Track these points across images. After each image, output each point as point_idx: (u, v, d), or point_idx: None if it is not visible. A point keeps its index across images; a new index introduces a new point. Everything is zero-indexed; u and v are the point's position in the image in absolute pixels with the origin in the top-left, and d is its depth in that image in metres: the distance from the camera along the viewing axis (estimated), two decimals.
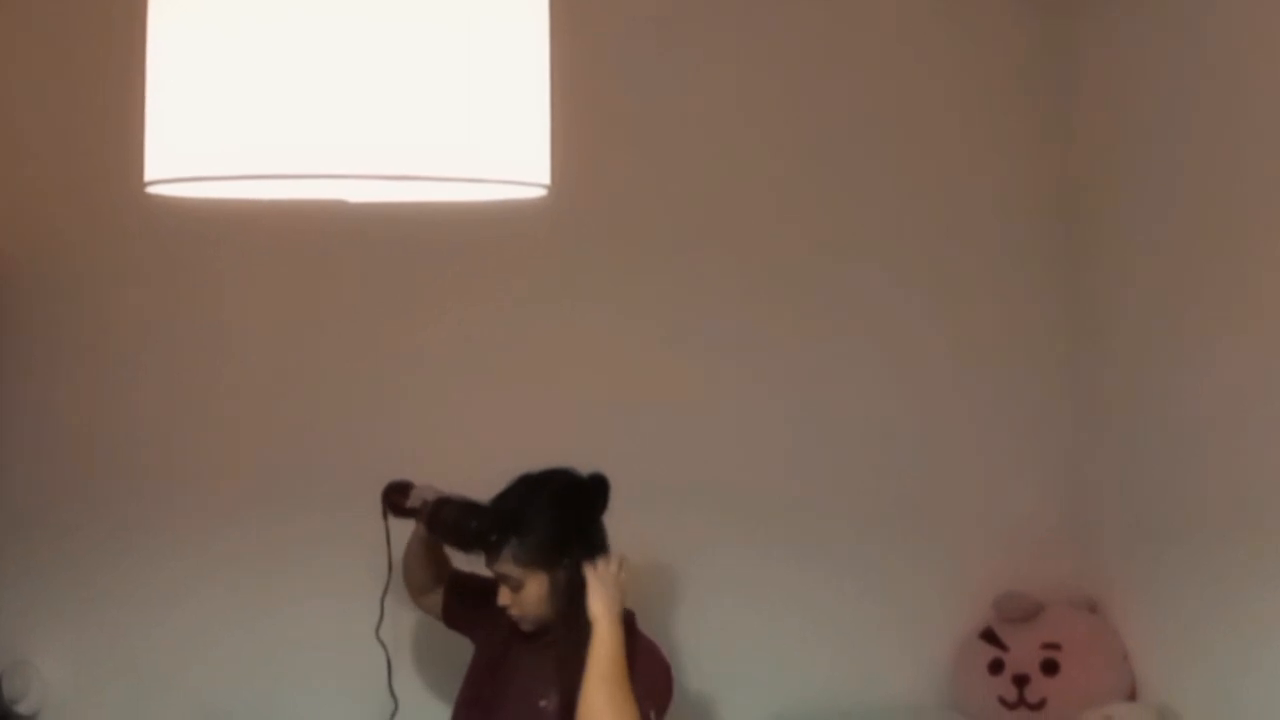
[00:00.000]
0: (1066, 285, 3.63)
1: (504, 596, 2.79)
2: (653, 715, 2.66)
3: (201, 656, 3.44)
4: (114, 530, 3.44)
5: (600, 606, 2.63)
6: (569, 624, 2.70)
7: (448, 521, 2.86)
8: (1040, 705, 3.37)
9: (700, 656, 3.45)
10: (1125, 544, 3.47)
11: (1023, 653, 3.45)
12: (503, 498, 2.82)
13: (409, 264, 3.46)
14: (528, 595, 2.76)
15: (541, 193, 1.66)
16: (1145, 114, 3.33)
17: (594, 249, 3.54)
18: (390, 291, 3.50)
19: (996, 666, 3.47)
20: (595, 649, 2.59)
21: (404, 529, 3.08)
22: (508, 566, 2.76)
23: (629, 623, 2.81)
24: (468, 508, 2.84)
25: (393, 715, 3.13)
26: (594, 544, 2.79)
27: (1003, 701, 3.43)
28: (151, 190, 1.61)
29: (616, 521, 2.88)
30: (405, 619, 3.30)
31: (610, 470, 2.85)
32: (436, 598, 3.11)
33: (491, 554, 2.78)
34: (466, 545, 2.84)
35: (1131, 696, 3.35)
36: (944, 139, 3.64)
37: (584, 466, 2.85)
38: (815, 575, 3.60)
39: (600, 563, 2.70)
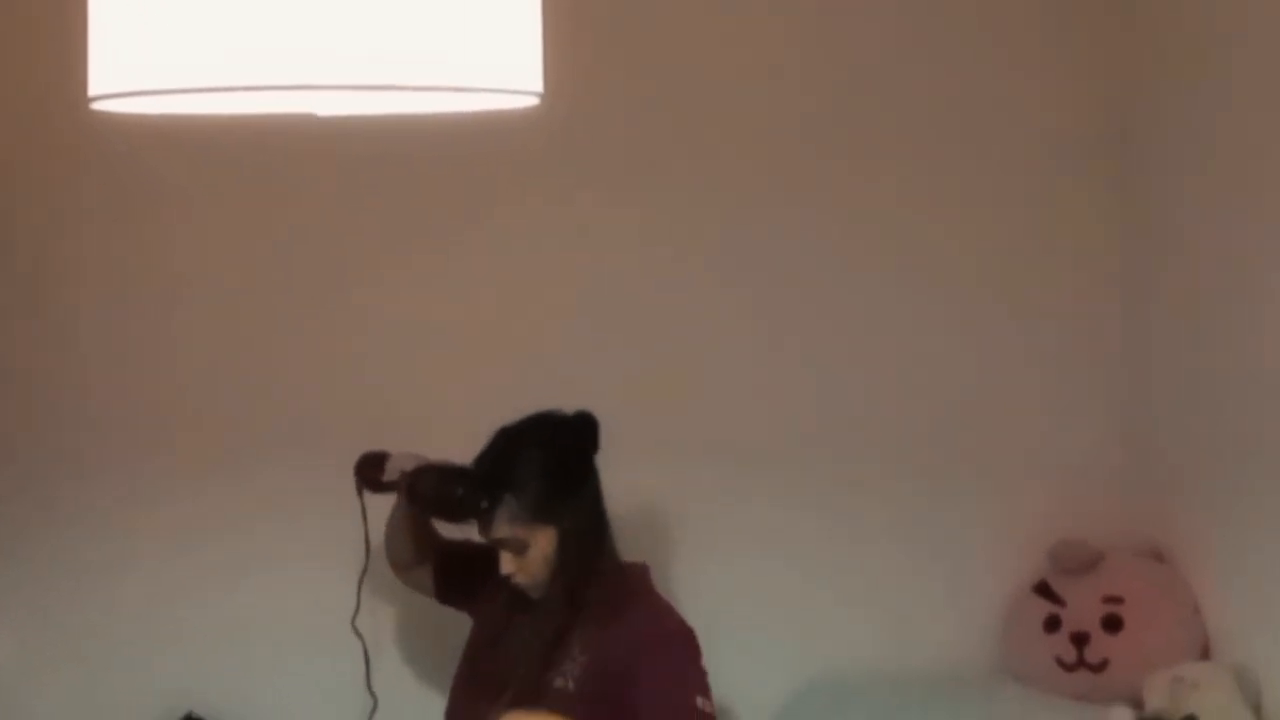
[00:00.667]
0: (1122, 208, 3.64)
1: (507, 564, 2.79)
2: (700, 701, 2.70)
3: (158, 636, 3.47)
4: (55, 495, 3.44)
5: None
6: (582, 578, 2.76)
7: (430, 492, 2.87)
8: (1102, 666, 3.38)
9: (720, 621, 3.41)
10: (1194, 485, 3.46)
11: (1081, 608, 3.45)
12: (485, 457, 2.84)
13: (385, 187, 3.47)
14: (535, 556, 2.78)
15: (533, 102, 1.64)
16: (1201, 29, 3.34)
17: (591, 166, 3.53)
18: (365, 219, 3.50)
19: (1052, 624, 3.48)
20: None
21: (383, 505, 3.10)
22: (506, 530, 2.77)
23: (643, 577, 2.87)
24: (450, 474, 2.85)
25: (372, 713, 3.17)
26: (590, 490, 2.83)
27: (1060, 663, 3.43)
28: (96, 107, 1.60)
29: (624, 473, 2.90)
30: (386, 606, 3.35)
31: (614, 414, 2.87)
32: (426, 574, 3.12)
33: (485, 521, 2.79)
34: (455, 515, 2.86)
35: (1204, 655, 3.35)
36: (989, 57, 3.64)
37: (593, 406, 2.89)
38: (847, 527, 3.62)
39: None
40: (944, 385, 3.66)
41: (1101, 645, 3.40)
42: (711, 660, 2.88)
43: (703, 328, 3.58)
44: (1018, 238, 3.66)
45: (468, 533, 2.97)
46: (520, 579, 2.80)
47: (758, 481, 3.53)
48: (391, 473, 2.96)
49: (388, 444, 3.12)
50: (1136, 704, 3.08)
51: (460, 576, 3.06)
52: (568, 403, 2.91)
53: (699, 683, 2.75)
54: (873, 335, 3.64)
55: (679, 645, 2.81)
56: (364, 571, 3.07)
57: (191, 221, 3.48)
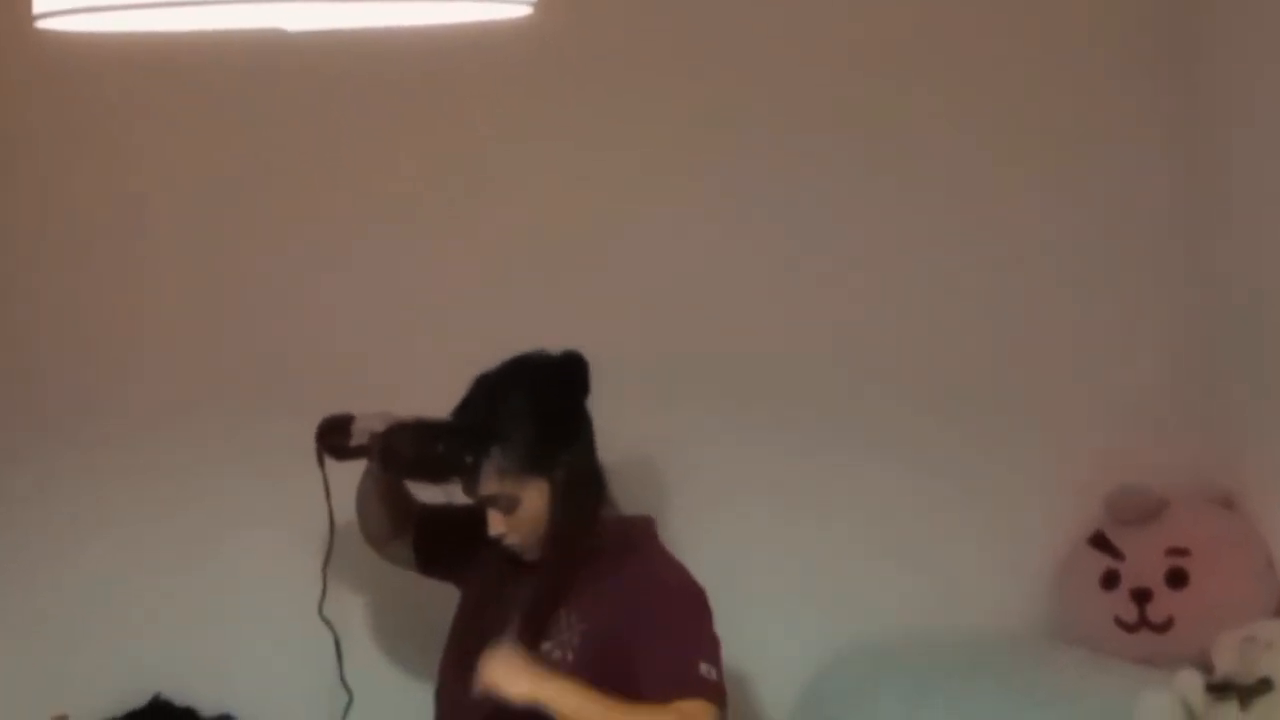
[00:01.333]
0: (1184, 128, 3.65)
1: (496, 524, 2.80)
2: (704, 668, 2.71)
3: (120, 614, 3.50)
4: (7, 455, 3.46)
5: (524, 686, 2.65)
6: (579, 534, 2.78)
7: (407, 452, 2.86)
8: (1166, 625, 3.40)
9: (744, 581, 3.48)
10: (1266, 423, 3.46)
11: (1143, 561, 3.47)
12: (465, 408, 2.84)
13: (362, 108, 3.48)
14: (526, 512, 2.78)
15: (525, 11, 1.64)
16: None
17: (589, 81, 3.55)
18: (339, 150, 3.52)
19: (1111, 580, 3.50)
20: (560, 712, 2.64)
21: (350, 474, 3.09)
22: (494, 486, 2.78)
23: (647, 531, 2.89)
24: (428, 430, 2.84)
25: (347, 708, 3.18)
26: (583, 437, 2.84)
27: (1120, 623, 3.45)
28: (42, 25, 1.60)
29: (633, 414, 2.95)
30: (356, 588, 3.39)
31: (615, 358, 2.91)
32: (405, 545, 3.12)
33: (470, 478, 2.80)
34: (437, 476, 2.86)
35: (1278, 613, 3.36)
36: None
37: (584, 347, 2.89)
38: (884, 475, 3.64)
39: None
40: (988, 319, 3.68)
41: (1165, 602, 3.41)
42: (734, 625, 2.91)
43: (714, 261, 3.59)
44: (1069, 159, 3.67)
45: (449, 495, 2.97)
46: (511, 540, 2.81)
47: (781, 429, 3.56)
48: (359, 436, 2.93)
49: (367, 398, 3.11)
50: (1205, 667, 3.06)
51: (443, 544, 3.06)
52: (560, 346, 2.92)
53: (704, 647, 2.76)
54: (908, 268, 3.65)
55: (682, 604, 2.83)
56: (329, 552, 3.07)
57: (151, 150, 3.48)
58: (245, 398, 3.51)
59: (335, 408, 3.11)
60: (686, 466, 3.49)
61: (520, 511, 2.78)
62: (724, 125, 3.58)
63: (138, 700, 3.47)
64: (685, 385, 3.46)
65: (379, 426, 2.88)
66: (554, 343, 2.90)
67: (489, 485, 2.78)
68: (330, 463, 3.05)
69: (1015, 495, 3.67)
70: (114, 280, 3.49)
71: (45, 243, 3.49)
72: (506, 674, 2.65)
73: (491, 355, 2.89)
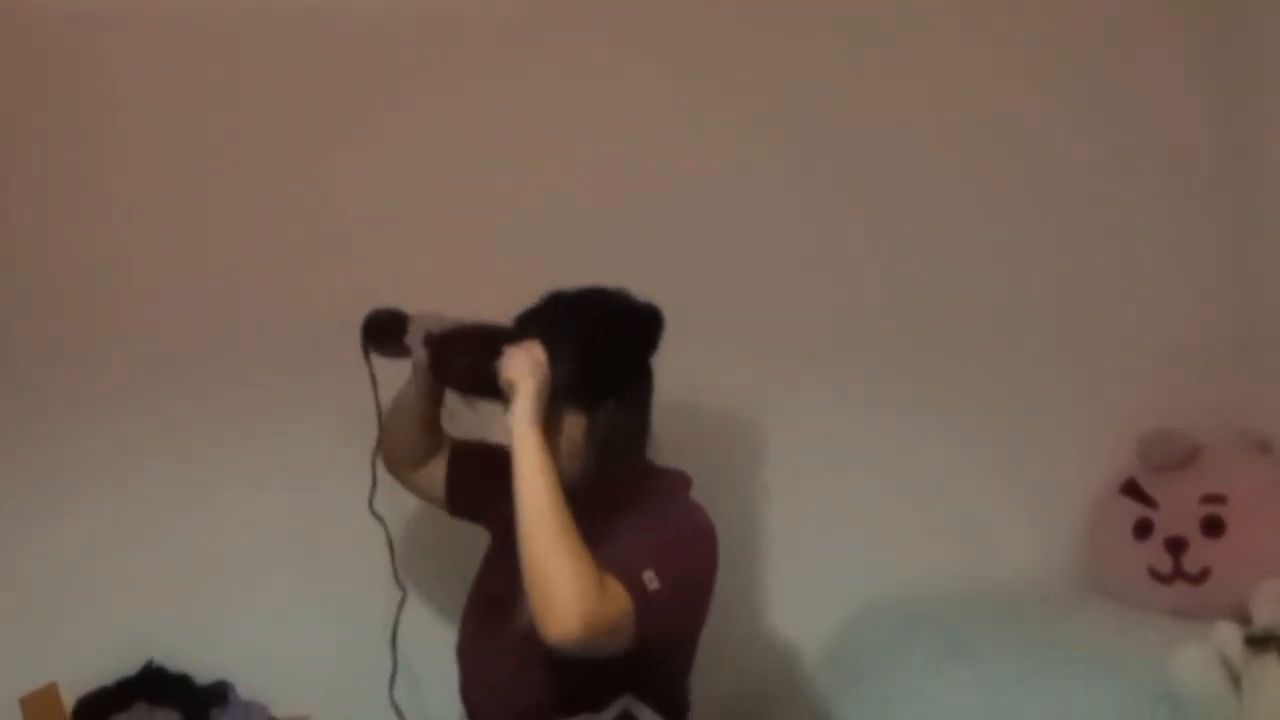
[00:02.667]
0: (1223, 64, 3.68)
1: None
2: (648, 576, 2.61)
3: (110, 576, 3.50)
4: None
5: (519, 370, 2.66)
6: (608, 479, 2.75)
7: (462, 361, 2.79)
8: (1202, 576, 3.39)
9: (769, 532, 3.51)
10: None
11: (1177, 509, 3.48)
12: (530, 319, 2.79)
13: (365, 40, 3.52)
14: (561, 444, 2.73)
15: None
16: None
17: (613, 9, 3.58)
18: (342, 78, 3.53)
19: (1144, 529, 3.52)
20: (518, 463, 2.61)
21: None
22: (452, 388, 2.82)
23: (677, 484, 2.87)
24: (493, 337, 2.76)
25: (401, 603, 3.13)
26: (639, 391, 2.82)
27: (1154, 574, 3.46)
28: None
29: (674, 364, 2.90)
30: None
31: (671, 299, 2.87)
32: (436, 474, 3.10)
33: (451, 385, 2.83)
34: (488, 389, 2.76)
35: None
36: None
37: (635, 288, 2.88)
38: (911, 423, 3.67)
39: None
40: (1019, 262, 3.71)
41: (1201, 552, 3.41)
42: (767, 576, 3.09)
43: (745, 204, 3.61)
44: (1113, 104, 3.70)
45: (484, 420, 2.92)
46: None
47: (810, 377, 3.57)
48: (416, 335, 2.85)
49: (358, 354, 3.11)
50: (1242, 619, 3.03)
51: (475, 483, 3.04)
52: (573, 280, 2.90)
53: (668, 564, 2.65)
54: (942, 210, 3.68)
55: (676, 528, 2.76)
56: (378, 446, 3.01)
57: (137, 86, 3.49)
58: (233, 355, 3.51)
59: (327, 363, 3.10)
60: (723, 416, 3.51)
61: (556, 442, 2.72)
62: (753, 58, 3.64)
63: (130, 668, 3.48)
64: (720, 339, 3.46)
65: (435, 328, 2.83)
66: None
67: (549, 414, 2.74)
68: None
69: (1047, 442, 3.70)
70: (97, 221, 3.49)
71: (24, 186, 3.49)
72: (522, 366, 2.66)
73: (504, 304, 2.89)
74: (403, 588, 3.11)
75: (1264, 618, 3.03)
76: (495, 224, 3.54)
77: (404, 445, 3.06)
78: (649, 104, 3.60)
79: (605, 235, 3.50)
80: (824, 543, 3.67)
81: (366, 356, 2.93)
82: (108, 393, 3.49)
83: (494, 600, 2.88)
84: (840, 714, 3.37)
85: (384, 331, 2.90)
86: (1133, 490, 3.57)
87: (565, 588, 2.49)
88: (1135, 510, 3.54)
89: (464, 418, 3.02)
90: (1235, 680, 2.83)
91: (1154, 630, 3.23)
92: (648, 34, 3.60)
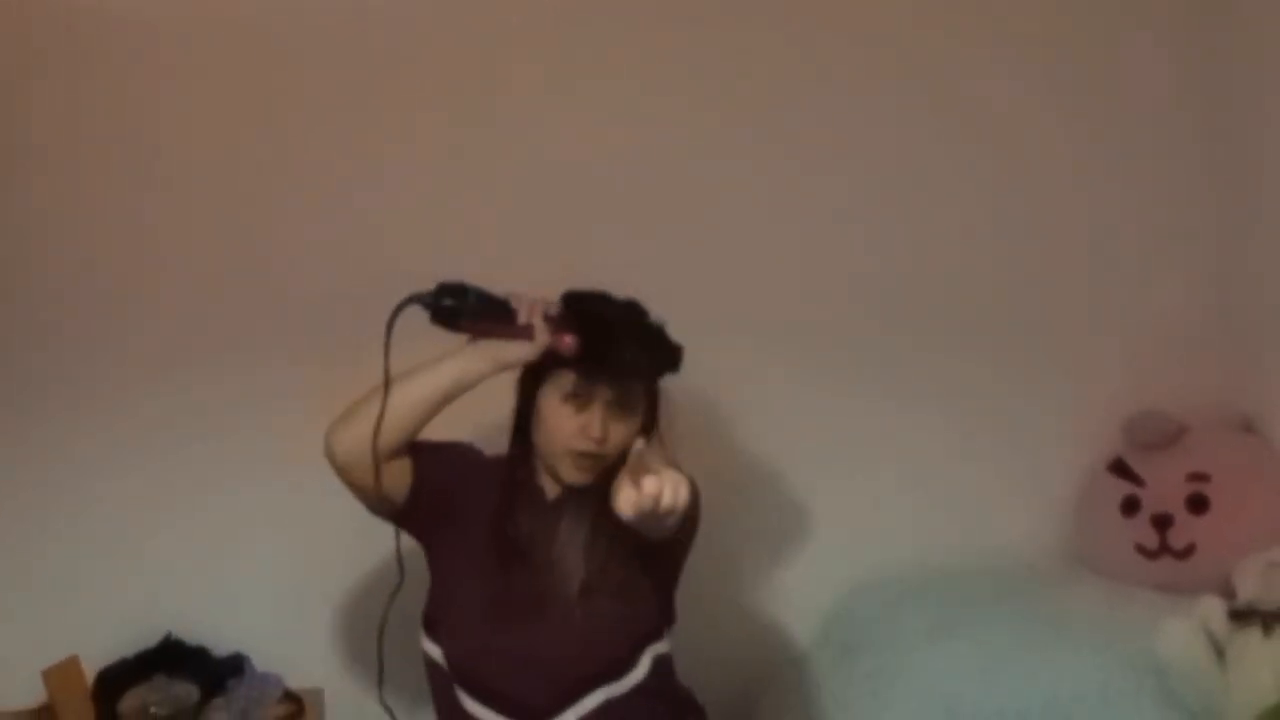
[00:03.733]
0: (1210, 50, 3.66)
1: (597, 425, 2.75)
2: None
3: (130, 551, 3.53)
4: (19, 394, 3.50)
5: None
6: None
7: (611, 349, 2.72)
8: (1188, 552, 3.40)
9: (759, 512, 3.51)
10: None
11: (1163, 487, 3.48)
12: (630, 320, 2.78)
13: (393, 41, 3.53)
14: (618, 435, 2.77)
15: None
16: None
17: (617, 15, 3.59)
18: (372, 79, 3.55)
19: (1131, 506, 3.52)
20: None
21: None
22: (634, 389, 2.78)
23: None
24: (634, 329, 2.76)
25: (396, 590, 2.88)
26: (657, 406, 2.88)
27: (1141, 550, 3.47)
28: None
29: None
30: None
31: (636, 286, 2.85)
32: (405, 468, 2.88)
33: (636, 387, 2.79)
34: (630, 374, 2.76)
35: None
36: None
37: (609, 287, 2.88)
38: (899, 403, 3.66)
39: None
40: (1006, 242, 3.69)
41: (1186, 529, 3.42)
42: (758, 557, 3.06)
43: (731, 197, 3.61)
44: (1098, 90, 3.68)
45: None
46: (593, 449, 2.76)
47: (804, 365, 3.58)
48: (527, 315, 2.69)
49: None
50: (1226, 593, 3.08)
51: (445, 481, 2.90)
52: (582, 280, 2.88)
53: None
54: (927, 189, 3.67)
55: None
56: (380, 421, 2.76)
57: (170, 82, 3.49)
58: (254, 342, 3.52)
59: (347, 352, 3.04)
60: (716, 403, 3.52)
61: (618, 429, 2.78)
62: (740, 53, 3.62)
63: (149, 641, 3.51)
64: (707, 323, 3.30)
65: (552, 311, 2.73)
66: (576, 274, 2.89)
67: (637, 402, 2.79)
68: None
69: (1035, 422, 3.70)
70: (122, 213, 3.49)
71: (56, 175, 3.48)
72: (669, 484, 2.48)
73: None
74: (403, 574, 2.86)
75: (1247, 592, 3.06)
76: (507, 222, 3.55)
77: (405, 431, 2.80)
78: (639, 99, 3.59)
79: (603, 231, 3.53)
80: (819, 524, 3.68)
81: (387, 333, 2.68)
82: (131, 378, 3.50)
83: (501, 601, 2.85)
84: (836, 687, 3.39)
85: (490, 308, 2.71)
86: (1120, 469, 3.57)
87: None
88: (1123, 488, 3.54)
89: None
90: (1219, 652, 2.86)
91: (1141, 604, 3.25)
92: (634, 28, 3.60)
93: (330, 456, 2.80)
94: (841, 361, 3.58)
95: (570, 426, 2.77)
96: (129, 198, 3.50)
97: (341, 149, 3.54)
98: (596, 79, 3.58)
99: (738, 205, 3.61)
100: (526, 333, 2.69)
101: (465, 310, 2.69)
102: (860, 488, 3.68)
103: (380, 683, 2.87)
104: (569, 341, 2.70)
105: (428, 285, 2.76)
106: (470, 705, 2.85)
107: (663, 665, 2.87)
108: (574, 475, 2.81)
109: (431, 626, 2.93)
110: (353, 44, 3.54)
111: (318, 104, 3.54)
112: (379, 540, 3.22)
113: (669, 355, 2.75)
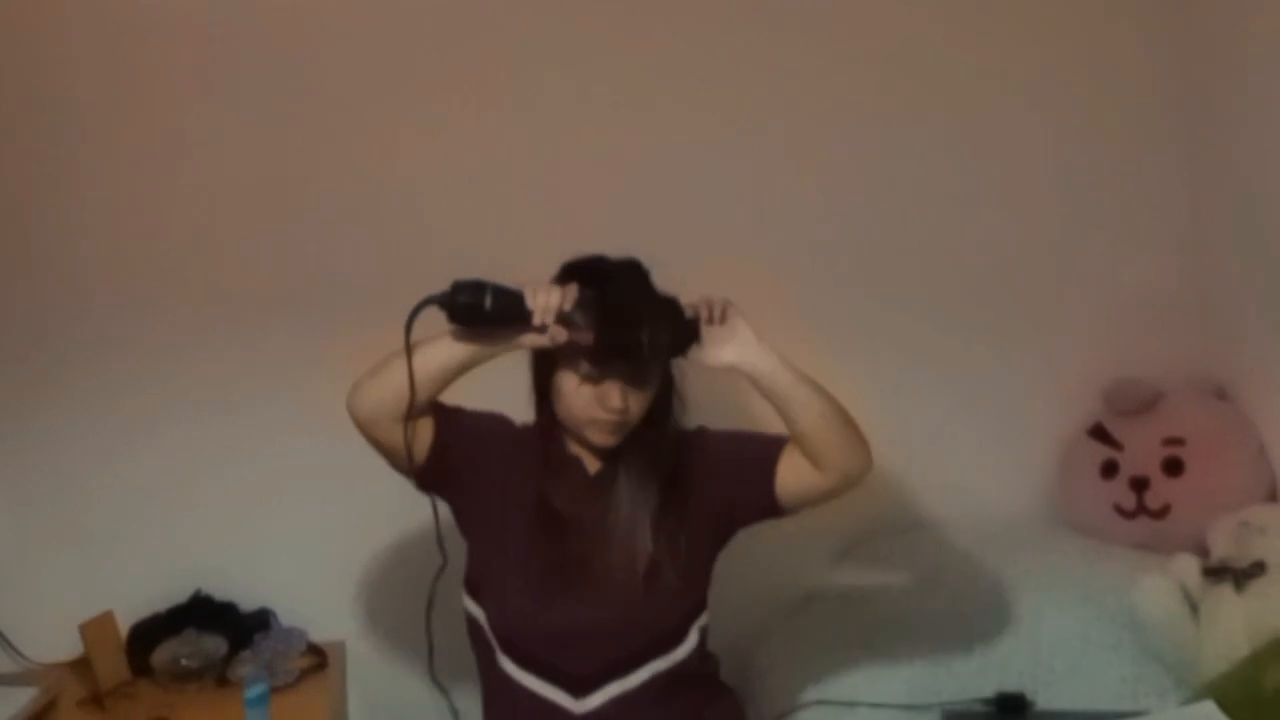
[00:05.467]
0: (1183, 29, 3.65)
1: (616, 398, 2.73)
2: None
3: (164, 511, 3.55)
4: (57, 362, 3.52)
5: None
6: (659, 442, 2.82)
7: (621, 334, 2.67)
8: (1163, 512, 3.44)
9: None
10: (1257, 317, 3.48)
11: (1140, 451, 3.52)
12: (629, 292, 2.74)
13: (420, 22, 3.55)
14: (638, 403, 2.77)
15: None
16: None
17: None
18: (399, 54, 3.57)
19: (1110, 469, 3.56)
20: (775, 372, 2.75)
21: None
22: (652, 364, 2.76)
23: (700, 438, 2.91)
24: (642, 312, 2.71)
25: (439, 572, 2.81)
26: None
27: (1119, 510, 3.50)
28: None
29: None
30: None
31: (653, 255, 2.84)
32: (425, 425, 2.79)
33: (650, 360, 2.75)
34: (650, 356, 2.72)
35: (1272, 498, 3.40)
36: None
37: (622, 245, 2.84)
38: (888, 371, 3.67)
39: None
40: (989, 217, 3.70)
41: (1162, 490, 3.45)
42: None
43: (716, 161, 3.62)
44: (1069, 62, 3.69)
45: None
46: (615, 420, 2.75)
47: (785, 328, 3.36)
48: (544, 315, 2.62)
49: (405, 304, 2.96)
50: (1201, 551, 3.14)
51: (469, 439, 2.85)
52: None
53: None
54: (912, 168, 3.67)
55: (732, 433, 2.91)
56: (411, 402, 2.69)
57: (198, 64, 3.50)
58: (282, 311, 3.54)
59: (378, 320, 2.89)
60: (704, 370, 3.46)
61: (638, 398, 2.77)
62: (741, 58, 3.64)
63: (180, 597, 3.55)
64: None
65: (567, 307, 2.64)
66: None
67: (651, 375, 2.77)
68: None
69: (1018, 389, 3.72)
70: (162, 176, 3.49)
71: (94, 152, 3.48)
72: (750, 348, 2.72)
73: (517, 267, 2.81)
74: (445, 556, 2.78)
75: (1220, 551, 3.12)
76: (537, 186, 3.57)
77: (428, 393, 2.72)
78: (650, 84, 3.60)
79: (611, 202, 3.53)
80: None
81: (406, 334, 2.64)
82: (165, 346, 3.51)
83: (551, 572, 2.80)
84: (829, 635, 3.41)
85: (511, 306, 2.63)
86: (1099, 433, 3.60)
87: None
88: (1102, 452, 3.57)
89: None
90: (1193, 607, 2.94)
91: (1119, 561, 3.31)
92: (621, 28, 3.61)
93: (352, 412, 2.73)
94: (836, 335, 3.55)
95: (590, 400, 2.73)
96: (184, 172, 3.50)
97: (374, 124, 3.54)
98: (606, 65, 3.60)
99: (724, 179, 3.60)
100: (542, 331, 2.63)
101: (481, 309, 2.62)
102: None
103: (431, 660, 2.84)
104: (585, 339, 2.65)
105: (453, 261, 2.72)
106: (511, 669, 2.81)
107: (704, 637, 2.87)
108: (601, 439, 2.77)
109: (475, 588, 2.87)
110: (387, 22, 3.54)
111: (351, 80, 3.54)
112: (396, 503, 3.18)
113: (685, 334, 2.71)
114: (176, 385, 3.54)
